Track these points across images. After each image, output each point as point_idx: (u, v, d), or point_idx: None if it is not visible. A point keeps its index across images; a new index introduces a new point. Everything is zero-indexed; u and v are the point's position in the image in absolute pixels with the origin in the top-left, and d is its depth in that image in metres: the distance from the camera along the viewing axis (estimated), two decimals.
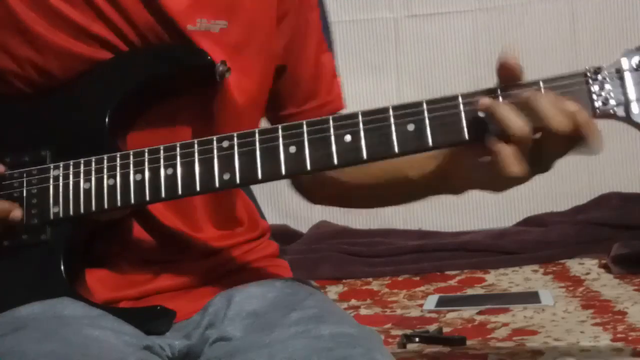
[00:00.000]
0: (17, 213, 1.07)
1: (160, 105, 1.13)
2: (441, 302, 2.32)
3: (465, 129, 1.00)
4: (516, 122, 0.97)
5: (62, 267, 1.07)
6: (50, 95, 1.12)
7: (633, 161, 3.13)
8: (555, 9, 3.24)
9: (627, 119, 0.98)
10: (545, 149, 0.98)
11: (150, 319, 1.07)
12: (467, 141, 1.00)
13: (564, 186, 3.09)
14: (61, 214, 1.07)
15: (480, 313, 2.15)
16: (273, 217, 3.10)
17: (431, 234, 3.10)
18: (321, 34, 1.29)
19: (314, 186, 1.28)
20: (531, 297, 2.28)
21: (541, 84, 0.99)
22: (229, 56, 1.13)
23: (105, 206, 1.06)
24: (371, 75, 3.30)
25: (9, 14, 1.10)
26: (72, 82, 1.11)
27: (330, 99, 1.29)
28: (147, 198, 1.06)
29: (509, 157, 0.96)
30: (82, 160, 1.08)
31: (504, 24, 3.26)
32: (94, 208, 1.07)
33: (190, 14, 1.12)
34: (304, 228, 3.19)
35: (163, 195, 1.05)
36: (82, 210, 1.07)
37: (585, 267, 2.62)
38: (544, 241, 2.86)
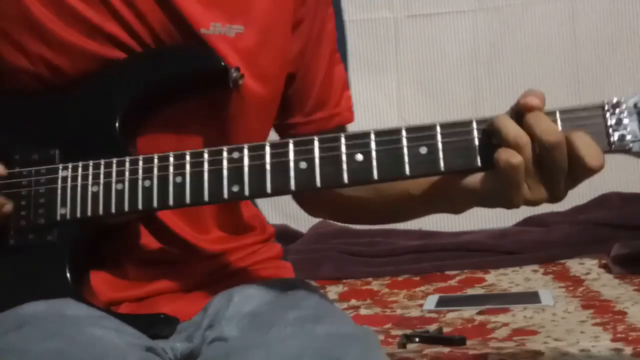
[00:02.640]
0: (9, 207, 1.07)
1: (171, 107, 1.13)
2: (441, 302, 2.32)
3: (478, 155, 1.00)
4: (513, 127, 0.97)
5: (67, 269, 1.07)
6: (61, 93, 1.12)
7: (633, 161, 3.13)
8: (555, 9, 3.24)
9: None
10: (546, 165, 0.97)
11: (154, 326, 1.07)
12: (479, 168, 1.00)
13: None
14: (68, 216, 1.07)
15: (480, 313, 2.15)
16: (273, 217, 3.10)
17: (431, 234, 3.10)
18: (335, 45, 1.28)
19: (313, 199, 1.27)
20: (531, 297, 2.28)
21: (557, 114, 0.99)
22: (244, 61, 1.12)
23: (113, 211, 1.06)
24: (371, 75, 3.30)
25: (22, 11, 1.10)
26: (83, 80, 1.11)
27: (339, 111, 1.27)
28: (155, 205, 1.05)
29: (512, 165, 0.96)
30: (91, 163, 1.08)
31: (504, 24, 3.26)
32: (101, 212, 1.07)
33: (205, 17, 1.12)
34: (304, 228, 3.19)
35: (171, 203, 1.05)
36: (89, 214, 1.07)
37: (585, 267, 2.62)
38: (544, 241, 2.86)
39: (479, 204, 1.04)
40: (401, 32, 3.31)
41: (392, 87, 3.33)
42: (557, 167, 0.96)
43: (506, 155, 0.96)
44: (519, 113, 0.98)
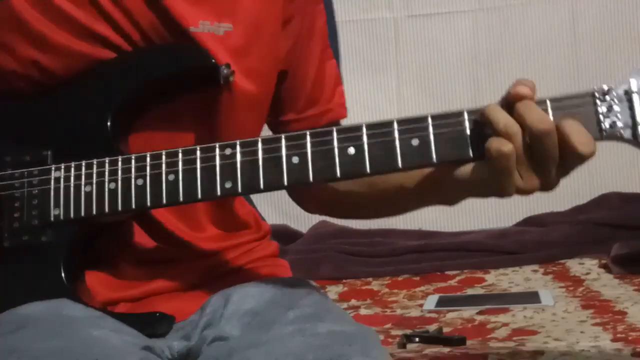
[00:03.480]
0: None
1: (162, 106, 1.13)
2: (441, 302, 2.32)
3: (470, 146, 1.00)
4: (503, 117, 0.98)
5: (62, 269, 1.07)
6: (52, 94, 1.12)
7: (633, 161, 3.13)
8: (555, 9, 3.24)
9: (634, 142, 0.99)
10: (537, 154, 0.98)
11: (150, 325, 1.07)
12: (471, 158, 1.00)
13: (564, 186, 3.07)
14: (62, 216, 1.07)
15: (480, 313, 2.15)
16: (273, 217, 3.10)
17: (431, 234, 3.10)
18: (326, 41, 1.28)
19: (307, 194, 1.27)
20: (531, 297, 2.28)
21: (548, 103, 0.99)
22: (233, 59, 1.13)
23: (106, 210, 1.06)
24: (371, 75, 3.30)
25: (11, 13, 1.10)
26: (74, 81, 1.11)
27: (331, 107, 1.28)
28: (148, 203, 1.05)
29: (504, 154, 0.97)
30: (83, 163, 1.07)
31: (504, 24, 3.26)
32: (94, 211, 1.07)
33: (193, 15, 1.12)
34: (304, 228, 3.19)
35: (164, 201, 1.05)
36: (83, 214, 1.07)
37: (585, 267, 2.62)
38: (544, 241, 2.86)
39: (472, 195, 1.04)
40: (401, 32, 3.31)
41: (392, 87, 3.32)
42: (548, 155, 0.97)
43: (497, 144, 0.96)
44: (510, 103, 0.98)
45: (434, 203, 1.12)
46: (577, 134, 0.96)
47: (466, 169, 1.01)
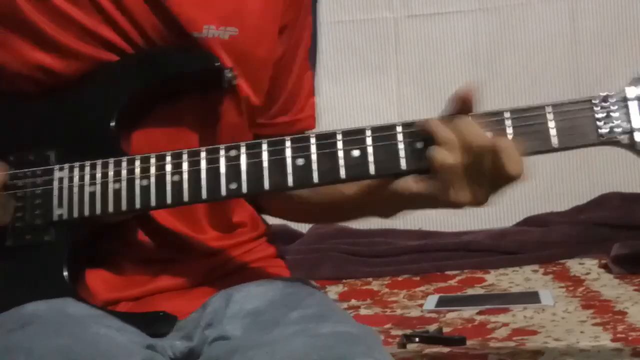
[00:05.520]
0: (10, 208, 1.08)
1: (164, 107, 1.14)
2: (441, 302, 2.32)
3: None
4: (444, 131, 1.01)
5: (64, 268, 1.08)
6: (55, 95, 1.12)
7: (633, 161, 3.12)
8: (555, 9, 3.24)
9: (631, 147, 1.02)
10: (473, 169, 1.00)
11: (153, 324, 1.08)
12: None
13: (564, 186, 3.09)
14: (65, 216, 1.08)
15: (480, 313, 2.15)
16: (273, 217, 3.09)
17: (431, 234, 3.10)
18: (307, 52, 1.29)
19: (264, 202, 1.28)
20: (531, 297, 2.28)
21: (548, 109, 1.01)
22: (237, 63, 1.14)
23: (111, 210, 1.07)
24: (371, 75, 3.30)
25: (16, 15, 1.10)
26: (78, 82, 1.12)
27: (301, 117, 1.30)
28: (153, 204, 1.06)
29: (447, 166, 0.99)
30: (87, 163, 1.08)
31: (504, 24, 3.26)
32: (98, 211, 1.07)
33: (197, 20, 1.13)
34: (304, 228, 3.19)
35: (169, 201, 1.06)
36: (86, 213, 1.07)
37: (585, 267, 2.62)
38: (544, 241, 2.86)
39: (407, 207, 1.08)
40: (401, 32, 3.31)
41: (392, 87, 3.32)
42: (482, 171, 0.99)
43: (441, 156, 1.00)
44: (450, 117, 1.03)
45: (371, 215, 1.15)
46: (508, 154, 0.98)
47: (405, 181, 1.03)
